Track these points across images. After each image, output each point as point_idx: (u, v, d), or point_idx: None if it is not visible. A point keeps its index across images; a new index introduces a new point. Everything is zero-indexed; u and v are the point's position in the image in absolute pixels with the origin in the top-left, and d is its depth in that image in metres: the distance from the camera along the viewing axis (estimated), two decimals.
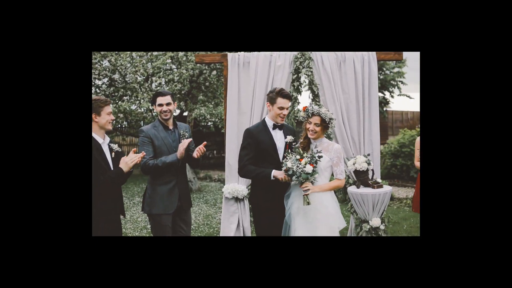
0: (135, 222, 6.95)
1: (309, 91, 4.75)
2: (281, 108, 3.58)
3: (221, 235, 4.78)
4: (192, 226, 6.67)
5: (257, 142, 3.54)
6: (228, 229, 4.72)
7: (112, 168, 3.14)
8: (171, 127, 3.73)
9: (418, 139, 4.49)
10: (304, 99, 5.04)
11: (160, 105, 3.64)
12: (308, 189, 3.34)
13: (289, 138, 3.73)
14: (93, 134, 3.08)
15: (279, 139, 3.67)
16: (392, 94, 16.52)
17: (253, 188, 3.80)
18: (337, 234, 3.51)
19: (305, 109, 3.58)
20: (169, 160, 3.55)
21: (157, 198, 3.59)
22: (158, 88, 7.90)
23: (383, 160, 10.54)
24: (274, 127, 3.65)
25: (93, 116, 3.05)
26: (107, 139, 3.23)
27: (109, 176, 3.06)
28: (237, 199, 4.65)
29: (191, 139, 3.64)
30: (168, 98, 3.71)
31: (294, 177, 3.32)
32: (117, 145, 3.26)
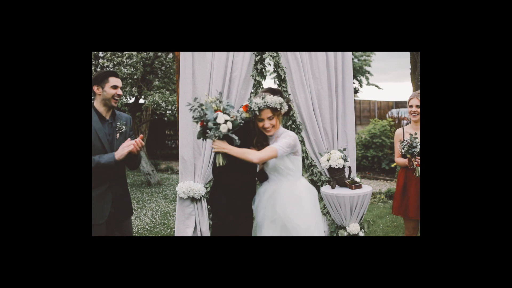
0: None
1: (275, 75, 4.13)
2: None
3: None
4: (147, 226, 6.03)
5: None
6: (183, 234, 4.11)
7: None
8: (108, 117, 3.04)
9: (398, 131, 3.91)
10: (269, 84, 4.43)
11: (115, 87, 2.97)
12: (215, 147, 2.83)
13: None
14: None
15: None
16: (360, 83, 16.17)
17: (214, 186, 3.23)
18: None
19: (247, 108, 2.93)
20: (104, 161, 2.87)
21: None
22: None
23: None
24: None
25: None
26: None
27: None
28: (193, 200, 4.01)
29: (140, 136, 2.94)
30: (120, 81, 3.06)
31: (209, 133, 2.81)
32: None
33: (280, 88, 4.05)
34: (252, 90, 4.11)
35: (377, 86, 16.69)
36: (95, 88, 2.97)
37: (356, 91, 16.20)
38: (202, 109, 2.80)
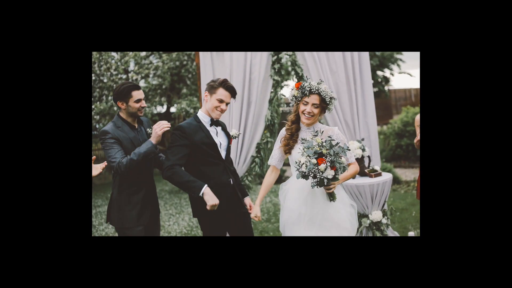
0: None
1: (293, 73, 4.21)
2: (221, 101, 3.01)
3: None
4: (185, 230, 6.23)
5: (192, 143, 2.96)
6: None
7: None
8: (136, 125, 3.24)
9: (417, 117, 3.89)
10: (288, 82, 4.50)
11: (139, 100, 3.12)
12: (332, 188, 2.76)
13: (234, 131, 3.21)
14: None
15: (220, 135, 3.11)
16: (392, 72, 15.86)
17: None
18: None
19: (300, 86, 2.89)
20: (144, 150, 3.00)
21: (128, 209, 3.11)
22: None
23: (387, 141, 9.98)
24: (212, 123, 3.09)
25: None
26: None
27: None
28: None
29: (169, 124, 3.09)
30: (142, 92, 3.23)
31: (312, 183, 2.68)
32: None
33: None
34: (272, 90, 4.21)
35: (409, 74, 16.31)
36: (119, 103, 3.13)
37: (388, 80, 15.87)
38: (331, 153, 2.61)
